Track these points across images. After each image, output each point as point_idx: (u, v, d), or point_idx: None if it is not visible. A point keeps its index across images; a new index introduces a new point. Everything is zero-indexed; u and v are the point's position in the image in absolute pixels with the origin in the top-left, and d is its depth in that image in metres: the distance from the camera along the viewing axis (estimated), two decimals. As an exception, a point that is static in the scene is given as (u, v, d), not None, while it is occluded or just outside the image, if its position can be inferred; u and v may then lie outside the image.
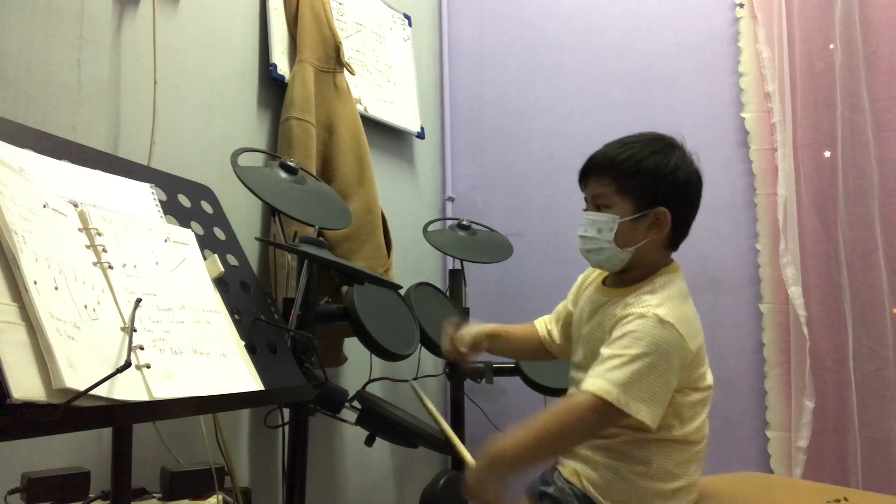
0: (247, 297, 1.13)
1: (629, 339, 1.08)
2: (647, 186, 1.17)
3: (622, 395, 1.04)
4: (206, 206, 1.19)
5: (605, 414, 1.06)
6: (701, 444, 1.18)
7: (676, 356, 1.09)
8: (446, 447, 1.51)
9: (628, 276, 1.22)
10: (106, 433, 1.22)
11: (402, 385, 2.03)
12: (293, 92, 1.72)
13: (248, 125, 1.73)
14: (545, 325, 1.43)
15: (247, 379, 0.97)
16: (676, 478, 1.15)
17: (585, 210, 1.24)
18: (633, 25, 2.31)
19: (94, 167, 0.99)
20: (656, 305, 1.10)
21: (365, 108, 2.07)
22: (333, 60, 1.83)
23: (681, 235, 1.23)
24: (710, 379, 1.19)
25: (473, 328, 1.39)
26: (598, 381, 1.07)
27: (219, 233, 1.17)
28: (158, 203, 1.06)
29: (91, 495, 1.11)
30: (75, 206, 0.87)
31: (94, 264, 0.84)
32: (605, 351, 1.11)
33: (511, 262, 2.14)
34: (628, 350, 1.07)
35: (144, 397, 0.79)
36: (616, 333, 1.11)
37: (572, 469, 1.20)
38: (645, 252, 1.19)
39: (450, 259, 2.38)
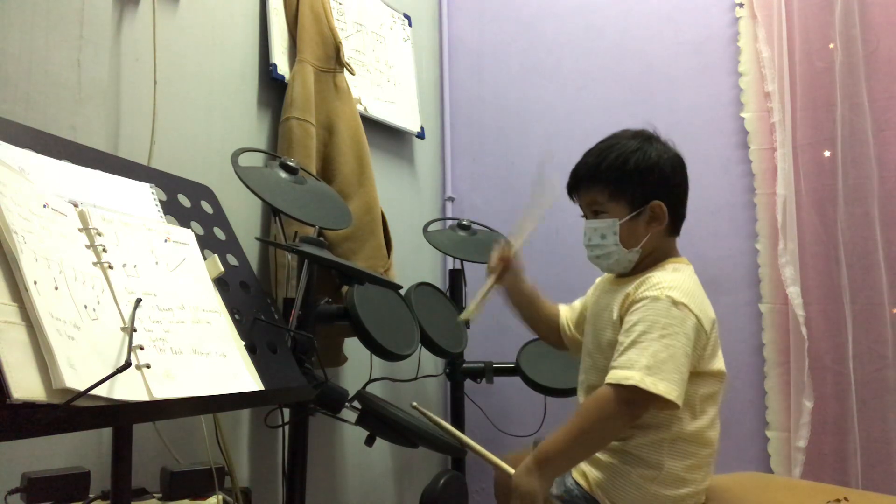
0: (247, 297, 1.13)
1: (644, 323, 1.10)
2: (637, 186, 1.21)
3: (647, 377, 1.05)
4: (206, 206, 1.19)
5: (631, 400, 1.07)
6: (711, 447, 1.18)
7: (692, 336, 1.10)
8: (447, 448, 1.51)
9: (638, 266, 1.25)
10: (106, 433, 1.22)
11: (402, 385, 2.03)
12: (293, 92, 1.72)
13: (248, 125, 1.73)
14: (565, 313, 1.46)
15: (247, 379, 0.97)
16: (685, 483, 1.15)
17: (583, 217, 1.28)
18: (632, 25, 2.31)
19: (94, 167, 0.99)
20: (668, 288, 1.12)
21: (365, 108, 2.07)
22: (333, 60, 1.83)
23: (679, 219, 1.27)
24: (721, 364, 1.19)
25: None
26: (618, 372, 1.08)
27: (219, 233, 1.17)
28: (158, 203, 1.06)
29: (91, 495, 1.11)
30: (75, 206, 0.87)
31: (94, 264, 0.84)
32: (622, 338, 1.12)
33: (511, 262, 2.14)
34: (646, 334, 1.08)
35: (144, 397, 0.79)
36: (631, 318, 1.12)
37: (581, 470, 1.20)
38: (649, 243, 1.23)
39: (450, 259, 2.38)
